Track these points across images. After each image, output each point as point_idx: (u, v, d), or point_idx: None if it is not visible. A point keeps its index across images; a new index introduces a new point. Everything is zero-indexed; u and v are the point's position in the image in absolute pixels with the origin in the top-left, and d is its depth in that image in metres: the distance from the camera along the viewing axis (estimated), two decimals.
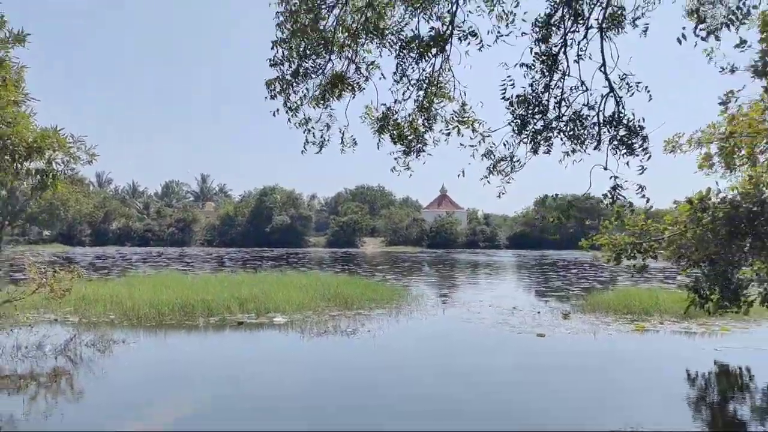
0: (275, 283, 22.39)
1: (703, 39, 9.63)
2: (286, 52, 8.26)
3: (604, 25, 8.29)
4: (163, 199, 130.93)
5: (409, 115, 8.82)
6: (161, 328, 15.33)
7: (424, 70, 8.51)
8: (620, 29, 8.45)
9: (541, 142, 8.25)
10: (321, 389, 10.15)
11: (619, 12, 8.52)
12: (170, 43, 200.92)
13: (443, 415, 8.81)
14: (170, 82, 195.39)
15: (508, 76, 8.25)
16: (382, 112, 8.55)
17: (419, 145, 8.42)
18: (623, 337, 14.84)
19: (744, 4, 9.83)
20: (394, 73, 8.21)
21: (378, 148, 8.48)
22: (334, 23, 8.17)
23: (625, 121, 7.78)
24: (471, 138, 8.54)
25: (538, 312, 19.02)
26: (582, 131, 8.21)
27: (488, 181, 8.48)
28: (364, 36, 8.01)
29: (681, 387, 10.94)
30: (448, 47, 8.21)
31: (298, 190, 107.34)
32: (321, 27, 7.96)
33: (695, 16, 11.40)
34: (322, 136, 8.60)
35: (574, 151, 8.54)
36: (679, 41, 7.90)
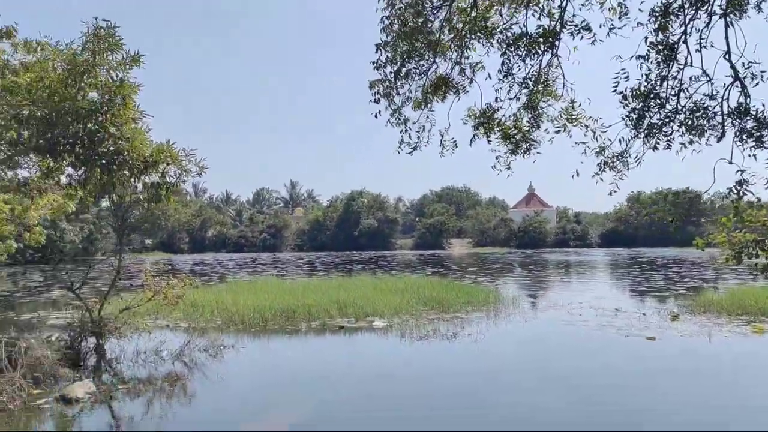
0: (371, 287, 22.60)
1: None
2: (389, 55, 8.28)
3: (728, 11, 7.79)
4: (254, 206, 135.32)
5: (513, 114, 8.64)
6: (266, 333, 15.77)
7: (531, 66, 8.30)
8: (743, 13, 7.93)
9: (660, 136, 7.85)
10: (423, 395, 10.08)
11: None
12: (256, 50, 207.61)
13: (551, 421, 8.55)
14: (257, 92, 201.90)
15: (622, 69, 7.92)
16: (482, 109, 8.41)
17: (526, 144, 8.21)
18: (740, 340, 13.99)
19: None
20: (499, 71, 8.05)
21: (470, 144, 8.34)
22: (440, 24, 8.11)
23: (753, 112, 7.28)
24: (584, 135, 8.26)
25: (644, 313, 18.22)
26: (704, 123, 7.76)
27: (601, 179, 8.16)
28: (470, 36, 7.91)
29: None
30: (557, 43, 7.96)
31: (384, 193, 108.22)
32: (428, 29, 7.92)
33: None
34: (418, 138, 8.55)
35: (691, 142, 8.10)
36: None
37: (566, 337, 15.05)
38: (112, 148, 12.81)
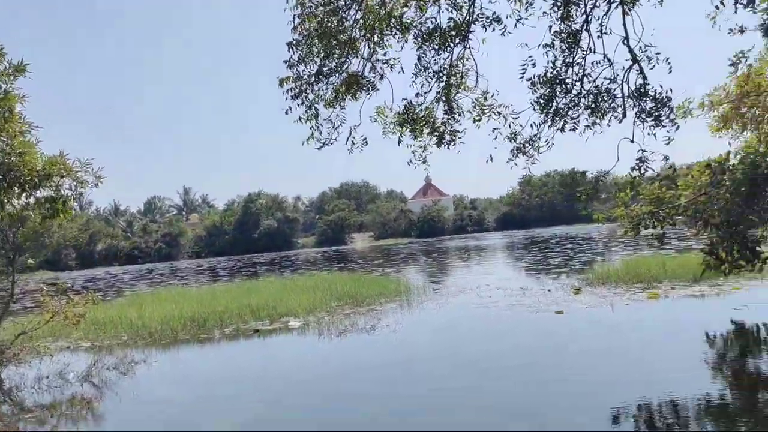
0: (282, 288, 22.27)
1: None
2: (302, 54, 8.11)
3: None
4: (146, 216, 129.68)
5: (426, 108, 8.71)
6: (177, 344, 15.12)
7: (444, 60, 8.39)
8: (636, 1, 8.37)
9: (567, 119, 8.18)
10: (342, 392, 10.01)
11: None
12: (141, 56, 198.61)
13: (481, 405, 8.75)
14: (139, 100, 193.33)
15: (529, 57, 8.20)
16: (404, 106, 8.43)
17: (449, 137, 8.31)
18: (639, 306, 14.91)
19: None
20: (416, 66, 8.09)
21: (399, 143, 8.36)
22: (352, 23, 8.03)
23: (651, 93, 7.73)
24: (497, 122, 8.45)
25: (549, 290, 19.04)
26: (606, 105, 8.16)
27: (515, 164, 8.41)
28: (386, 31, 7.89)
29: (705, 349, 10.98)
30: (470, 36, 8.09)
31: (282, 193, 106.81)
32: (342, 28, 7.83)
33: None
34: (329, 134, 8.46)
35: (594, 124, 8.51)
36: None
37: (479, 320, 15.39)
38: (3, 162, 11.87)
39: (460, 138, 8.43)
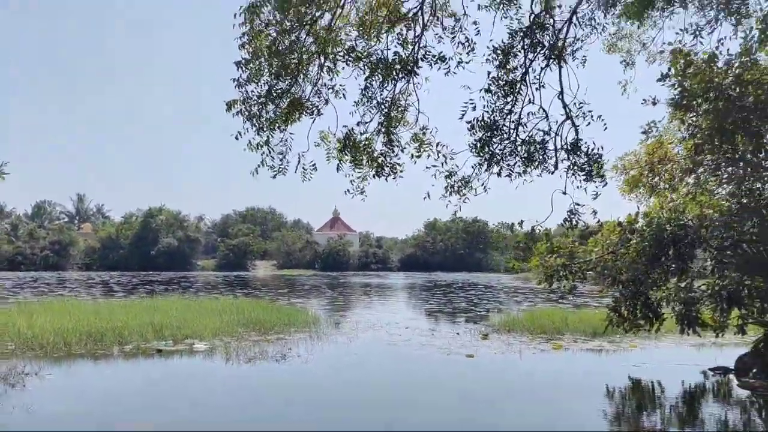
0: (185, 309, 21.48)
1: (628, 65, 10.35)
2: (250, 74, 8.05)
3: (559, 55, 8.72)
4: (33, 220, 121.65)
5: (367, 138, 8.84)
6: (71, 358, 14.20)
7: (388, 92, 8.58)
8: (563, 60, 8.93)
9: (502, 165, 8.53)
10: (258, 414, 9.78)
11: (565, 43, 9.03)
12: (50, 45, 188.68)
13: None
14: (40, 93, 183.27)
15: (470, 100, 8.53)
16: (345, 133, 8.52)
17: (389, 168, 8.45)
18: (545, 356, 15.45)
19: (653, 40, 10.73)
20: (361, 94, 8.22)
21: (338, 170, 8.42)
22: (303, 45, 8.08)
23: (584, 149, 8.21)
24: (435, 160, 8.68)
25: (457, 333, 19.41)
26: (540, 155, 8.58)
27: (449, 201, 8.65)
28: (338, 57, 7.99)
29: (606, 402, 11.49)
30: (417, 70, 8.33)
31: (184, 211, 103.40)
32: (294, 48, 7.85)
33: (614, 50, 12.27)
34: (281, 161, 8.41)
35: (525, 172, 8.91)
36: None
37: (392, 357, 15.42)
38: None
39: (400, 171, 8.60)
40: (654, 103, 12.80)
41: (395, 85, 8.72)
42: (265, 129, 7.96)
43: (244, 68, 8.07)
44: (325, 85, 8.63)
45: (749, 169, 11.81)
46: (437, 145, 8.61)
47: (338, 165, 8.52)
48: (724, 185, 12.81)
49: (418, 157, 8.46)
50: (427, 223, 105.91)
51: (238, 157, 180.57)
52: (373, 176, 8.46)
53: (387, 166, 8.47)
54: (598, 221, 10.54)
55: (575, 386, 12.62)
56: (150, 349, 15.40)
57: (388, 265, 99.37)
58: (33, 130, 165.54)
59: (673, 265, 11.63)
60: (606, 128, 8.32)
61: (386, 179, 8.49)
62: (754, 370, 12.57)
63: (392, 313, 27.51)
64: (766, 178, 11.45)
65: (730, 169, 12.32)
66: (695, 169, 12.20)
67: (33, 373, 12.12)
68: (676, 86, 12.05)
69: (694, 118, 12.04)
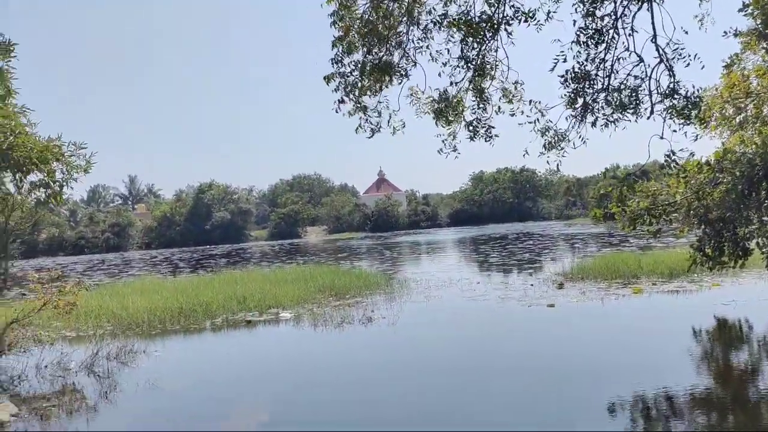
0: (262, 280, 22.09)
1: None
2: (345, 49, 8.14)
3: None
4: (90, 205, 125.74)
5: (458, 97, 8.84)
6: (170, 335, 14.88)
7: (476, 50, 8.55)
8: (654, 2, 8.67)
9: (597, 115, 8.45)
10: (364, 380, 10.15)
11: None
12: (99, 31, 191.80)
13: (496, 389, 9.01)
14: (85, 81, 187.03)
15: (561, 52, 8.41)
16: (438, 95, 8.55)
17: (484, 130, 8.48)
18: (626, 301, 15.45)
19: None
20: (459, 58, 8.22)
21: (436, 124, 8.51)
22: (397, 15, 8.11)
23: (683, 92, 8.07)
24: (527, 117, 8.66)
25: (531, 284, 19.50)
26: (635, 101, 8.46)
27: (548, 158, 8.64)
28: (430, 25, 8.02)
29: (694, 343, 11.52)
30: (507, 28, 8.26)
31: (233, 185, 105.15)
32: (387, 23, 7.90)
33: None
34: (378, 123, 8.53)
35: (618, 120, 8.79)
36: None
37: (477, 312, 15.58)
38: None
39: (495, 135, 8.60)
40: (736, 35, 12.41)
41: (483, 45, 8.66)
42: (361, 99, 8.08)
43: (338, 45, 8.16)
44: (413, 47, 8.65)
45: None
46: (530, 102, 8.56)
47: (436, 122, 8.58)
48: None
49: (512, 115, 8.44)
50: (474, 176, 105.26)
51: (283, 127, 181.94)
52: (469, 139, 8.50)
53: (481, 128, 8.49)
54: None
55: (662, 328, 12.65)
56: (239, 321, 16.00)
57: (438, 221, 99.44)
58: (80, 112, 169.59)
59: (765, 201, 11.38)
60: (703, 67, 8.15)
61: (484, 140, 8.51)
62: None
63: (457, 269, 27.70)
64: None
65: None
66: None
67: (141, 351, 12.77)
68: (756, 14, 11.64)
69: None
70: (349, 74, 8.04)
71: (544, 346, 11.69)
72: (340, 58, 7.99)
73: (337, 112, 8.07)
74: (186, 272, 36.60)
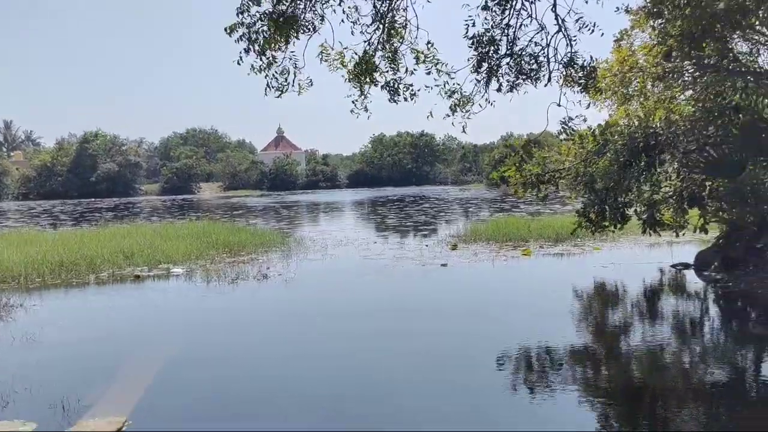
0: (151, 234, 21.25)
1: None
2: None
3: None
4: None
5: (365, 54, 8.73)
6: (48, 289, 14.06)
7: (386, 7, 8.46)
8: None
9: (502, 80, 8.65)
10: (257, 338, 10.10)
11: None
12: None
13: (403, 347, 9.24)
14: None
15: (469, 16, 8.52)
16: (360, 57, 8.40)
17: (408, 92, 8.46)
18: (516, 262, 16.17)
19: None
20: (372, 15, 8.09)
21: (363, 95, 8.39)
22: None
23: (579, 62, 8.38)
24: (435, 79, 8.71)
25: (426, 245, 19.95)
26: (534, 68, 8.71)
27: (453, 121, 8.76)
28: None
29: (576, 302, 12.25)
30: None
31: (122, 135, 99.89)
32: None
33: None
34: (285, 81, 8.28)
35: (516, 86, 9.04)
36: None
37: (373, 270, 15.64)
38: None
39: (414, 94, 8.58)
40: (627, 11, 13.00)
41: (392, 4, 8.56)
42: (266, 51, 7.76)
43: None
44: (319, 1, 8.40)
45: (714, 75, 12.25)
46: (438, 63, 8.58)
47: (350, 84, 8.44)
48: (689, 90, 13.32)
49: (428, 73, 8.42)
50: (374, 139, 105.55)
51: (176, 77, 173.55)
52: (390, 101, 8.43)
53: (402, 88, 8.43)
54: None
55: (547, 289, 13.35)
56: (126, 276, 15.35)
57: (336, 182, 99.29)
58: None
59: (644, 172, 12.18)
60: (603, 34, 8.50)
61: (405, 101, 8.46)
62: (715, 264, 13.54)
63: (355, 229, 27.90)
64: (729, 84, 11.91)
65: (696, 74, 12.77)
66: (664, 76, 12.58)
67: (17, 305, 11.98)
68: None
69: (663, 25, 12.34)
70: (253, 24, 7.70)
71: (436, 304, 12.04)
72: (246, 7, 7.63)
73: (239, 64, 7.72)
74: (68, 225, 34.58)
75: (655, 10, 12.25)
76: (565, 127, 8.87)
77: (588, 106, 8.74)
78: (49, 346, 9.43)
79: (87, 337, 10.10)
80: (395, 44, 8.44)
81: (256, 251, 19.29)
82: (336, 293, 13.20)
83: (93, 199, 77.58)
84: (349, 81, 8.37)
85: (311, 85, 8.47)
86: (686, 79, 13.00)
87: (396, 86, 8.45)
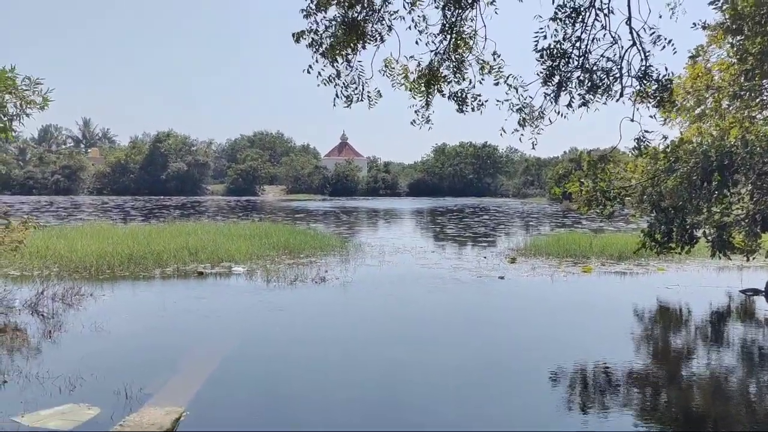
0: (214, 233, 21.88)
1: None
2: (318, 2, 7.92)
3: None
4: (41, 144, 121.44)
5: (435, 67, 8.74)
6: (118, 280, 14.65)
7: (455, 19, 8.47)
8: None
9: (573, 93, 8.50)
10: (313, 339, 10.23)
11: None
12: None
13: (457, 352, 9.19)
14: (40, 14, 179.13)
15: (540, 29, 8.42)
16: (426, 66, 8.45)
17: (475, 102, 8.45)
18: (574, 279, 15.83)
19: None
20: (439, 25, 8.14)
21: (427, 106, 8.45)
22: None
23: (655, 76, 8.17)
24: (506, 92, 8.64)
25: (484, 257, 19.80)
26: (606, 83, 8.53)
27: (521, 136, 8.68)
28: None
29: (634, 322, 11.90)
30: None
31: (192, 136, 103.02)
32: None
33: None
34: (354, 92, 8.37)
35: (587, 102, 8.85)
36: None
37: (428, 278, 15.73)
38: None
39: (482, 103, 8.54)
40: (704, 27, 12.60)
41: (461, 13, 8.57)
42: (336, 60, 7.88)
43: None
44: (388, 11, 8.49)
45: None
46: (509, 77, 8.50)
47: (412, 94, 8.49)
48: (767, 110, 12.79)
49: (496, 84, 8.37)
50: (436, 148, 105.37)
51: (246, 82, 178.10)
52: (458, 111, 8.43)
53: (470, 98, 8.42)
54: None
55: (606, 307, 13.02)
56: (190, 272, 15.83)
57: (397, 190, 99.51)
58: (37, 50, 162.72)
59: (716, 192, 11.75)
60: (675, 52, 8.26)
61: (473, 111, 8.43)
62: None
63: (413, 238, 27.94)
64: None
65: None
66: (741, 94, 12.12)
67: (88, 294, 12.53)
68: (725, 8, 11.84)
69: (741, 42, 11.90)
70: (319, 30, 7.85)
71: (491, 316, 11.95)
72: (311, 11, 7.78)
73: (308, 72, 7.85)
74: (138, 220, 35.93)
75: (734, 26, 11.84)
76: (641, 142, 8.62)
77: (664, 122, 8.51)
78: (115, 335, 9.83)
79: (151, 329, 10.50)
80: (462, 54, 8.43)
81: (315, 254, 19.57)
82: (391, 300, 13.22)
83: (162, 197, 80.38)
84: (412, 92, 8.40)
85: (380, 96, 8.53)
86: (765, 98, 12.49)
87: (464, 96, 8.43)
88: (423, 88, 8.38)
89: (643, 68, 8.25)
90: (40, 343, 9.31)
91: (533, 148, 8.73)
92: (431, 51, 8.40)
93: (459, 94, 8.42)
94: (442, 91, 8.43)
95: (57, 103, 12.62)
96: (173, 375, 7.83)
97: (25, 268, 15.51)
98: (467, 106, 8.44)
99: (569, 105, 8.36)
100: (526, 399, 7.44)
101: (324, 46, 7.95)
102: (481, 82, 8.40)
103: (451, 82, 8.47)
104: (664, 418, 6.97)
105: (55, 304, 11.61)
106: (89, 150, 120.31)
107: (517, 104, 8.51)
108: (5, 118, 11.99)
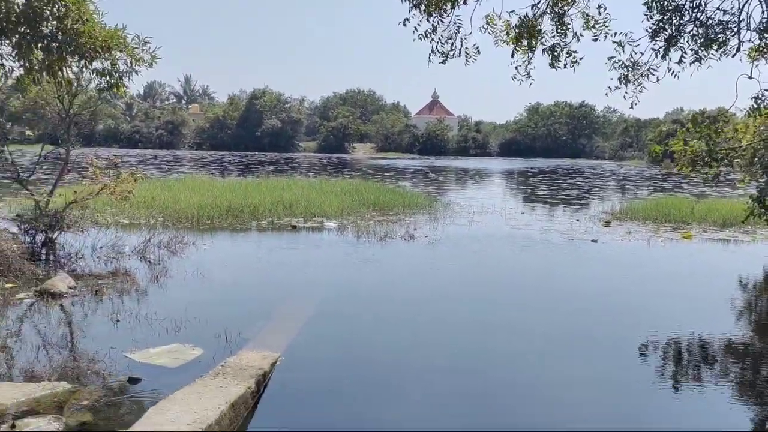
0: (309, 189, 22.42)
1: None
2: None
3: None
4: (146, 100, 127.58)
5: (537, 22, 8.47)
6: (216, 231, 15.38)
7: None
8: None
9: (685, 48, 8.03)
10: (401, 298, 10.38)
11: None
12: None
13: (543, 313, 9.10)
14: None
15: None
16: (520, 19, 8.21)
17: (569, 57, 8.17)
18: (674, 245, 15.17)
19: None
20: None
21: (512, 55, 8.23)
22: None
23: None
24: (614, 48, 8.28)
25: (577, 219, 19.31)
26: (723, 37, 8.01)
27: (626, 92, 8.33)
28: None
29: (737, 292, 11.32)
30: None
31: (286, 93, 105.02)
32: None
33: None
34: (451, 48, 8.27)
35: (700, 59, 8.31)
36: None
37: (523, 239, 15.48)
38: (60, 28, 11.53)
39: (579, 59, 8.25)
40: None
41: None
42: (433, 13, 7.78)
43: None
44: None
45: None
46: (615, 34, 8.12)
47: (513, 51, 8.29)
48: None
49: (595, 40, 8.04)
50: (530, 107, 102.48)
51: (339, 39, 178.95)
52: (550, 66, 8.18)
53: (563, 54, 8.15)
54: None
55: (706, 276, 12.46)
56: (284, 225, 16.37)
57: (488, 150, 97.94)
58: (140, 9, 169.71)
59: None
60: None
61: (564, 67, 8.18)
62: None
63: (503, 198, 27.56)
64: None
65: None
66: None
67: (190, 243, 13.23)
68: None
69: None
70: None
71: (582, 281, 11.69)
72: None
73: (404, 25, 7.77)
74: (234, 175, 37.31)
75: None
76: (760, 101, 8.04)
77: None
78: (215, 282, 10.38)
79: (247, 278, 11.02)
80: (563, 8, 8.11)
81: (404, 212, 19.71)
82: (480, 260, 13.17)
83: (257, 153, 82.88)
84: (515, 45, 8.18)
85: (478, 53, 8.40)
86: None
87: (558, 52, 8.14)
88: (525, 45, 8.14)
89: (764, 21, 7.66)
90: (148, 287, 9.95)
91: (632, 107, 8.34)
92: (531, 5, 8.14)
93: (554, 49, 8.12)
94: (541, 44, 8.16)
95: (161, 61, 13.19)
96: (269, 323, 8.19)
97: (134, 216, 16.53)
98: (560, 61, 8.14)
99: (680, 61, 7.90)
100: (614, 370, 7.26)
101: (423, 1, 7.86)
102: (578, 40, 8.07)
103: (553, 36, 8.18)
104: (765, 393, 6.66)
105: (161, 252, 12.34)
106: (190, 106, 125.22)
107: (620, 61, 8.14)
108: (116, 75, 12.68)
